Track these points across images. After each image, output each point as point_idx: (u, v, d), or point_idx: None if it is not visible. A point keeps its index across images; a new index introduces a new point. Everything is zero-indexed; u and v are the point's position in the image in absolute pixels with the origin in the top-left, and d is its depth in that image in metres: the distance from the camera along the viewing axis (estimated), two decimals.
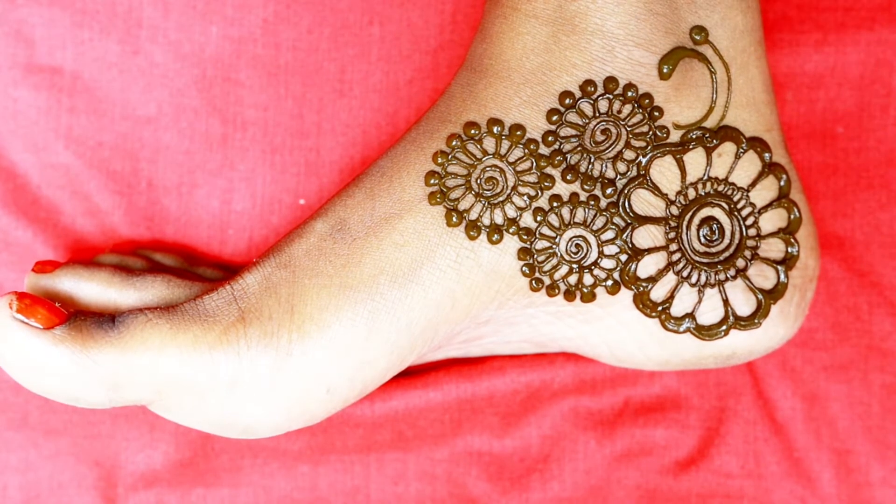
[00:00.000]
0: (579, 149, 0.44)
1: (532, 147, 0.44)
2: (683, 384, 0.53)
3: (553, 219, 0.45)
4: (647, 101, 0.44)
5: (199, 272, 0.51)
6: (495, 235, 0.44)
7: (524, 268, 0.45)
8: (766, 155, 0.46)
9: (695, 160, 0.45)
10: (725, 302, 0.46)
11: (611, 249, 0.45)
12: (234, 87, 0.53)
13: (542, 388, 0.53)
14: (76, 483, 0.52)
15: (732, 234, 0.46)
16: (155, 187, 0.53)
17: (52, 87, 0.52)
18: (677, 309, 0.46)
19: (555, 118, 0.44)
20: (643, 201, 0.45)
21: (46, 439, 0.52)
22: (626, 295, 0.46)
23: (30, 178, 0.52)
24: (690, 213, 0.45)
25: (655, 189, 0.45)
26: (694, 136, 0.45)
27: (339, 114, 0.53)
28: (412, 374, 0.53)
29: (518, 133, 0.44)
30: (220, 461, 0.52)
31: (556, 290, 0.45)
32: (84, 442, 0.52)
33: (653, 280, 0.45)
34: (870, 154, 0.54)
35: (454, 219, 0.44)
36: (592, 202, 0.45)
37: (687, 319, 0.46)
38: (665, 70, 0.44)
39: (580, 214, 0.45)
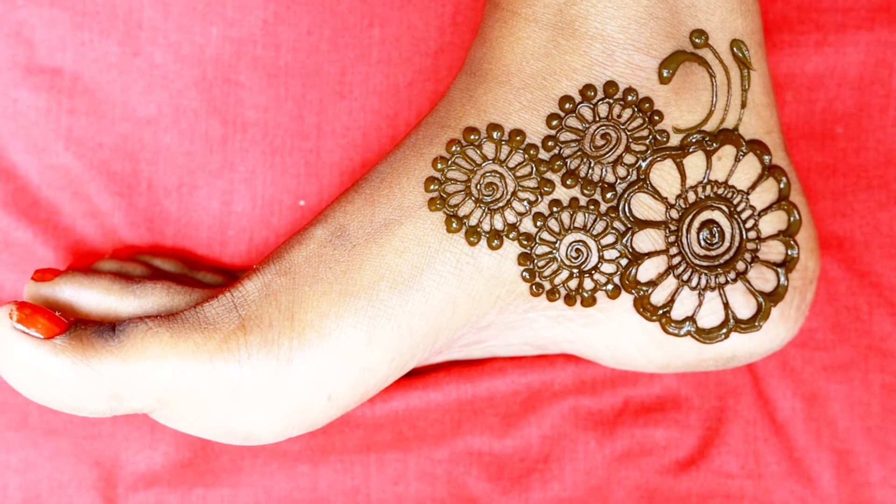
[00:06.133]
0: (579, 153, 0.44)
1: (532, 152, 0.44)
2: (683, 384, 0.53)
3: (553, 224, 0.44)
4: (646, 105, 0.44)
5: (199, 277, 0.51)
6: (495, 241, 0.44)
7: (524, 273, 0.45)
8: (766, 157, 0.46)
9: (694, 164, 0.45)
10: (726, 305, 0.46)
11: (611, 254, 0.45)
12: (234, 88, 0.53)
13: (542, 389, 0.53)
14: (76, 483, 0.52)
15: (732, 237, 0.46)
16: (155, 188, 0.53)
17: (53, 88, 0.52)
18: (678, 312, 0.46)
19: (554, 123, 0.44)
20: (643, 205, 0.45)
21: (46, 439, 0.52)
22: (626, 299, 0.46)
23: (30, 179, 0.52)
24: (690, 217, 0.45)
25: (655, 193, 0.45)
26: (694, 140, 0.45)
27: (339, 115, 0.53)
28: (412, 375, 0.53)
29: (518, 138, 0.44)
30: (220, 461, 0.52)
31: (557, 295, 0.45)
32: (84, 442, 0.52)
33: (653, 284, 0.45)
34: (869, 154, 0.54)
35: (454, 224, 0.44)
36: (592, 207, 0.44)
37: (687, 323, 0.46)
38: (665, 74, 0.44)
39: (580, 219, 0.45)
